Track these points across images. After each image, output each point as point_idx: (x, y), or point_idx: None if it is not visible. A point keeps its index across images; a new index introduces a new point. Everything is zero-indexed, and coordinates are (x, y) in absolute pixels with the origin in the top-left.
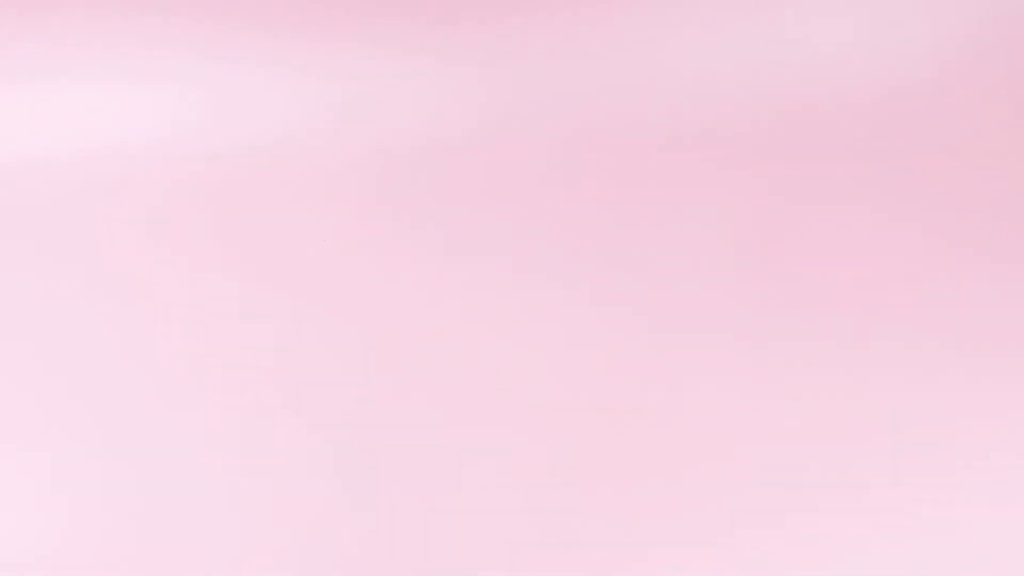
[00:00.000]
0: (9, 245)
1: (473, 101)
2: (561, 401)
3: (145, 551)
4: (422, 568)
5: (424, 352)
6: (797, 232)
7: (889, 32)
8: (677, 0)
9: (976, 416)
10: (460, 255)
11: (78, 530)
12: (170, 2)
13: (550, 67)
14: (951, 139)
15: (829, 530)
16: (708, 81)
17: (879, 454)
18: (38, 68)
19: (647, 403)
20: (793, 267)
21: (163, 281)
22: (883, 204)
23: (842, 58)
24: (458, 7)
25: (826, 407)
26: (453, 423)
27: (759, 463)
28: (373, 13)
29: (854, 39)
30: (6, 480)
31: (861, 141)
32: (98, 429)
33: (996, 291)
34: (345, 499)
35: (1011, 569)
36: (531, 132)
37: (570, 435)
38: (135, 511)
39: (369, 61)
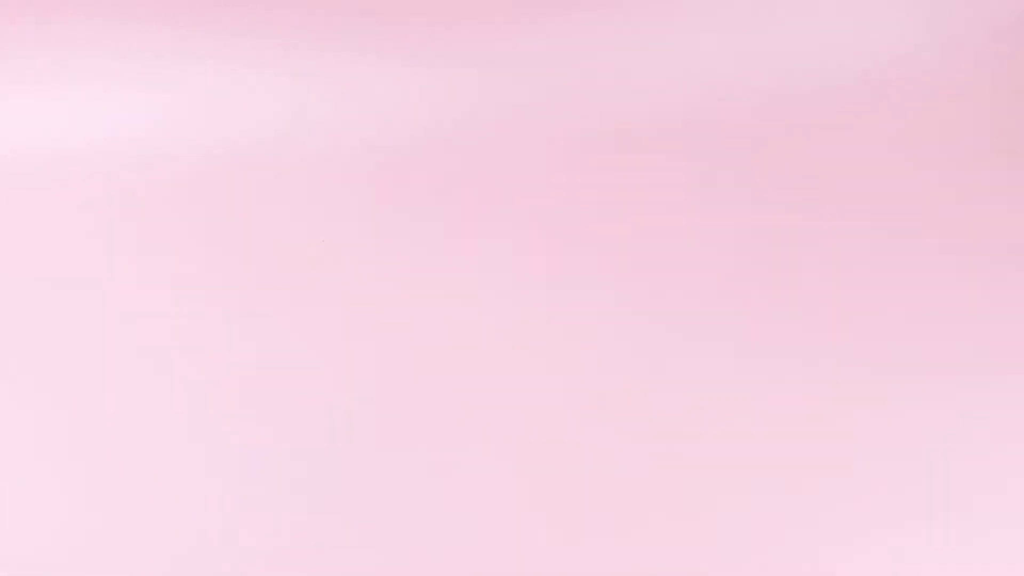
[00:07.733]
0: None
1: (470, 102)
2: (559, 404)
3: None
4: (423, 569)
5: (422, 354)
6: (801, 232)
7: (891, 30)
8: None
9: (983, 430)
10: (455, 257)
11: (56, 532)
12: (161, 7)
13: (548, 69)
14: (951, 131)
15: (833, 536)
16: (709, 80)
17: (884, 465)
18: (21, 71)
19: (645, 407)
20: (798, 269)
21: (149, 281)
22: (886, 207)
23: (841, 54)
24: (453, 11)
25: (831, 416)
26: (450, 425)
27: (762, 470)
28: (368, 15)
29: (856, 36)
30: None
31: (863, 142)
32: (79, 432)
33: (999, 289)
34: (336, 501)
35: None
36: (528, 133)
37: (568, 440)
38: (112, 514)
39: (362, 62)
